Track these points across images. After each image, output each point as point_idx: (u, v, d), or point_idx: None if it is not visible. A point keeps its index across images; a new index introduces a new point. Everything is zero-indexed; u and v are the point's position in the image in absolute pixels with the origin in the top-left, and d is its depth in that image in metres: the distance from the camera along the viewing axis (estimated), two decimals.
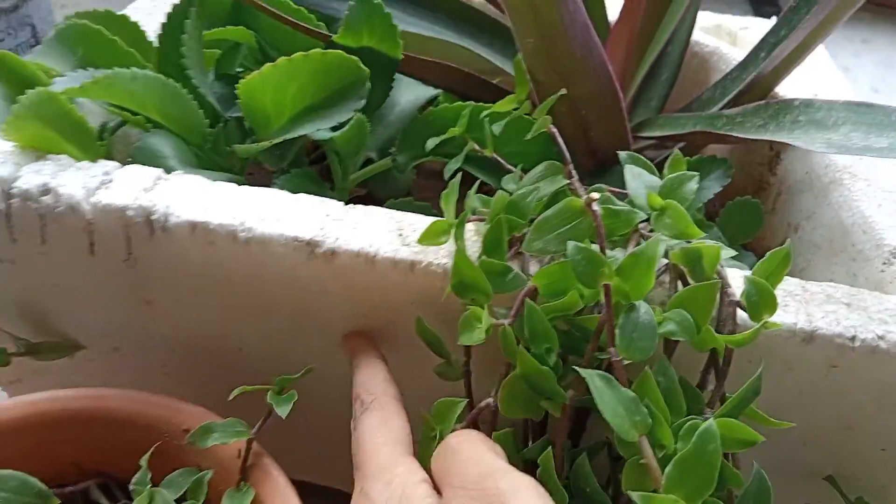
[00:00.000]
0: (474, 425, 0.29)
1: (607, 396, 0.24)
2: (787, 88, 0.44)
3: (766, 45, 0.41)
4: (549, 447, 0.26)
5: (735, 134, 0.37)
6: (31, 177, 0.32)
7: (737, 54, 0.51)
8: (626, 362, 0.25)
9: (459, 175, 0.32)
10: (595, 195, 0.26)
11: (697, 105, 0.47)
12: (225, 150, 0.40)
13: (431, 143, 0.41)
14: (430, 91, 0.48)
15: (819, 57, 0.51)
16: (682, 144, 0.45)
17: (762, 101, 0.38)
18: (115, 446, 0.33)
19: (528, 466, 0.29)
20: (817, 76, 0.49)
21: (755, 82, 0.42)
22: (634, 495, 0.22)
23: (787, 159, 0.43)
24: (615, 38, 0.43)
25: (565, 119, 0.39)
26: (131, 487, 0.30)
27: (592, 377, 0.24)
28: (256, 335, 0.35)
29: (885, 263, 0.32)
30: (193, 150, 0.39)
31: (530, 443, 0.30)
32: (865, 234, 0.34)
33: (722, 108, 0.43)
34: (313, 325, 0.34)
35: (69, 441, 0.33)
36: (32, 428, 0.33)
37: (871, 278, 0.33)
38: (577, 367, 0.25)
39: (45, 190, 0.32)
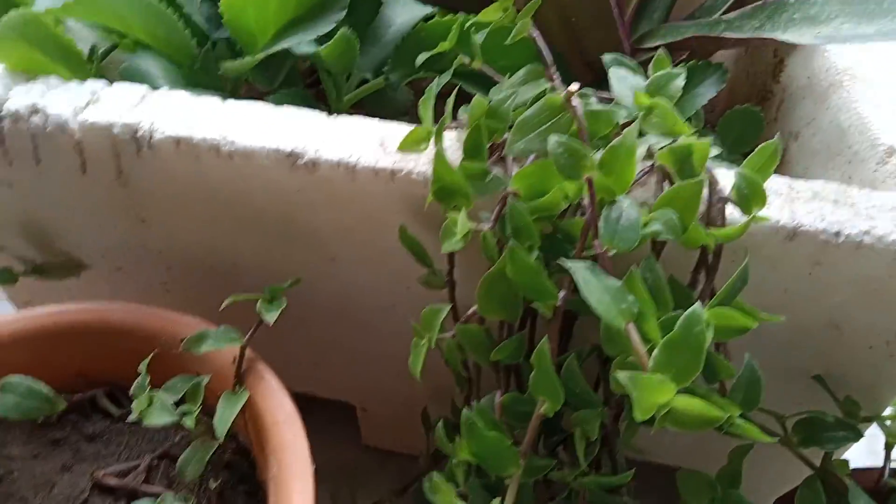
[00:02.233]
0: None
1: (593, 285, 0.24)
2: None
3: None
4: (544, 345, 0.26)
5: (733, 35, 0.36)
6: (21, 97, 0.33)
7: None
8: (611, 253, 0.25)
9: (445, 86, 0.31)
10: (573, 88, 0.26)
11: (699, 13, 0.45)
12: (214, 71, 0.39)
13: (421, 58, 0.40)
14: (426, 9, 0.47)
15: None
16: (685, 54, 0.43)
17: (759, 3, 0.36)
18: (117, 357, 0.35)
19: (498, 369, 0.30)
20: None
21: None
22: (622, 375, 0.22)
23: (790, 66, 0.42)
24: None
25: (555, 28, 0.38)
26: (131, 392, 0.31)
27: (578, 268, 0.24)
28: (249, 250, 0.36)
29: (878, 163, 0.32)
30: (183, 72, 0.39)
31: None
32: (861, 134, 0.33)
33: (722, 14, 0.42)
34: (302, 239, 0.34)
35: (74, 352, 0.35)
36: (39, 339, 0.34)
37: (865, 179, 0.32)
38: (562, 260, 0.25)
39: (34, 110, 0.32)
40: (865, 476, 0.32)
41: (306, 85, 0.49)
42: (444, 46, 0.39)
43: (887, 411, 0.34)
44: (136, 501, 0.31)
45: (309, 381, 0.44)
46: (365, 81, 0.45)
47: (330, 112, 0.44)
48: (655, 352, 0.23)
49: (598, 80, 0.43)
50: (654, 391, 0.22)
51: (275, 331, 0.33)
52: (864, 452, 0.40)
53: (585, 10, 0.37)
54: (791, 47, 0.41)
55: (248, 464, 0.35)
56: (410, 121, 0.42)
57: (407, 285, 0.35)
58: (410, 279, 0.34)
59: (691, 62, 0.38)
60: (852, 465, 0.32)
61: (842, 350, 0.32)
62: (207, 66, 0.39)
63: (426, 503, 0.38)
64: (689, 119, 0.38)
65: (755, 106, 0.41)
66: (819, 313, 0.30)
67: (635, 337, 0.24)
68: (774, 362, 0.32)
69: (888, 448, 0.33)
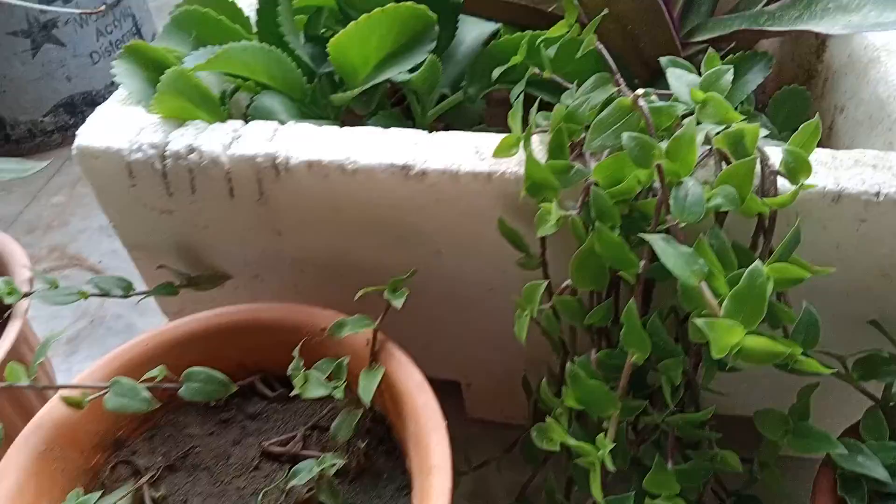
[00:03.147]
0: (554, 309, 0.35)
1: (669, 252, 0.29)
2: None
3: None
4: (632, 305, 0.31)
5: (774, 28, 0.41)
6: (178, 140, 0.40)
7: None
8: (681, 225, 0.30)
9: (522, 95, 0.37)
10: (640, 91, 0.31)
11: (743, 5, 0.49)
12: (321, 102, 0.46)
13: (496, 72, 0.46)
14: (492, 26, 0.53)
15: None
16: (731, 45, 0.48)
17: None
18: (269, 348, 0.42)
19: (591, 332, 0.35)
20: None
21: None
22: (699, 321, 0.27)
23: (832, 45, 0.46)
24: None
25: (614, 35, 0.44)
26: (289, 373, 0.38)
27: (655, 239, 0.30)
28: (368, 251, 0.42)
29: None
30: (296, 105, 0.46)
31: None
32: None
33: (764, 6, 0.46)
34: (413, 237, 0.40)
35: (233, 346, 0.42)
36: (205, 338, 0.42)
37: None
38: (642, 234, 0.30)
39: (191, 149, 0.40)
40: None
41: (391, 104, 0.55)
42: (515, 60, 0.45)
43: None
44: (301, 462, 0.38)
45: (421, 362, 0.50)
46: (444, 96, 0.51)
47: (415, 125, 0.51)
48: (725, 302, 0.28)
49: (654, 76, 0.48)
50: (726, 333, 0.27)
51: (392, 319, 0.40)
52: None
53: (640, 17, 0.42)
54: None
55: (385, 428, 0.41)
56: (485, 129, 0.48)
57: (503, 269, 0.41)
58: (505, 264, 0.40)
59: (739, 53, 0.43)
60: None
61: (894, 295, 0.36)
62: (315, 98, 0.46)
63: (533, 453, 0.44)
64: (741, 103, 0.43)
65: (801, 85, 0.45)
66: (870, 264, 0.35)
67: (707, 292, 0.29)
68: (833, 310, 0.37)
69: None
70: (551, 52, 0.40)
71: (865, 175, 0.33)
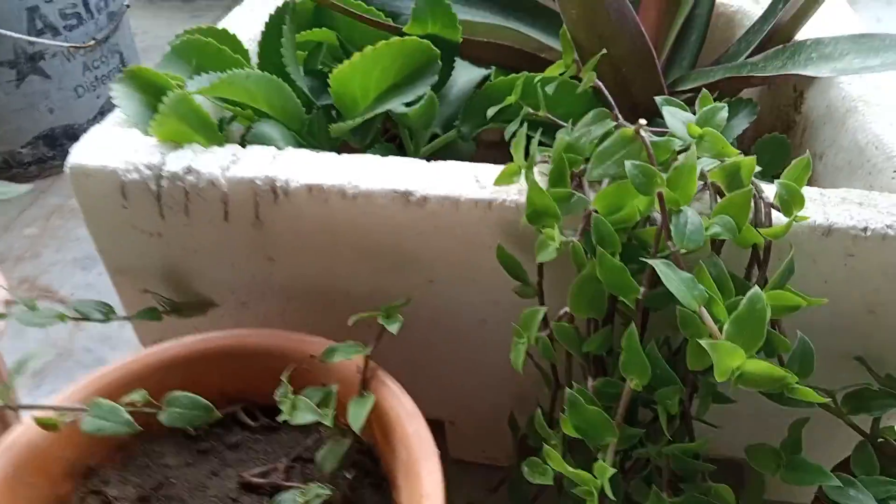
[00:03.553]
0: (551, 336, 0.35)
1: (670, 276, 0.30)
2: (807, 32, 0.49)
3: None
4: (633, 328, 0.31)
5: (759, 74, 0.43)
6: (176, 161, 0.40)
7: (759, 11, 0.56)
8: (682, 252, 0.31)
9: (525, 126, 0.38)
10: (643, 121, 0.32)
11: (725, 59, 0.52)
12: (318, 133, 0.47)
13: (491, 111, 0.47)
14: (484, 71, 0.55)
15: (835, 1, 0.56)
16: (715, 95, 0.50)
17: (780, 47, 0.43)
18: (253, 375, 0.41)
19: (588, 360, 0.35)
20: (832, 17, 0.53)
21: (775, 31, 0.47)
22: (704, 342, 0.28)
23: (810, 97, 0.48)
24: (646, 4, 0.48)
25: (607, 78, 0.45)
26: (276, 398, 0.37)
27: (658, 263, 0.30)
28: (362, 278, 0.42)
29: (895, 171, 0.37)
30: (294, 135, 0.46)
31: None
32: (878, 149, 0.39)
33: (747, 59, 0.48)
34: (409, 265, 0.40)
35: (216, 373, 0.41)
36: (188, 363, 0.41)
37: (885, 186, 0.38)
38: (644, 258, 0.31)
39: (189, 170, 0.40)
40: None
41: (384, 141, 0.56)
42: (510, 99, 0.47)
43: None
44: (283, 493, 0.37)
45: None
46: (435, 135, 0.52)
47: None
48: (726, 326, 0.29)
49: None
50: (728, 356, 0.28)
51: (378, 351, 0.39)
52: None
53: (634, 61, 0.44)
54: (809, 81, 0.48)
55: (372, 461, 0.40)
56: None
57: (496, 300, 0.41)
58: (498, 295, 0.41)
59: (724, 100, 0.45)
60: None
61: (879, 333, 0.37)
62: (313, 129, 0.47)
63: (521, 492, 0.43)
64: None
65: (781, 134, 0.47)
66: (856, 300, 0.36)
67: (707, 317, 0.30)
68: (820, 346, 0.37)
69: None
70: (550, 89, 0.42)
71: (853, 211, 0.34)
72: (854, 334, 0.37)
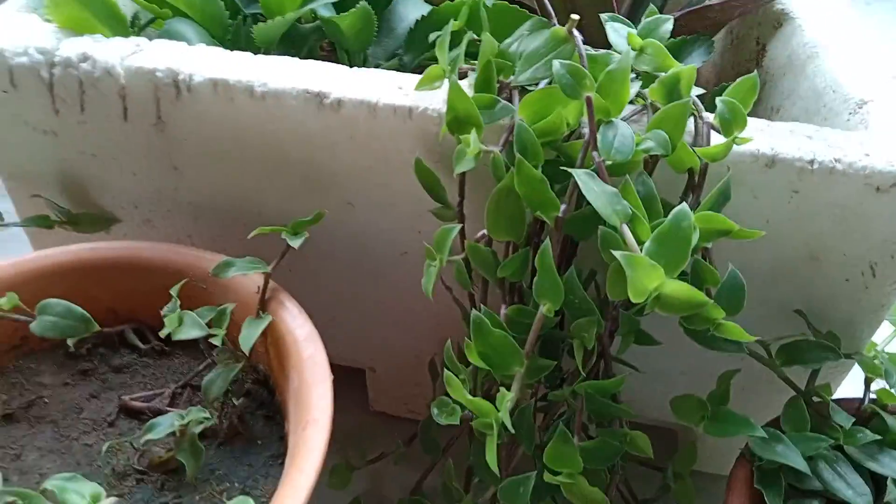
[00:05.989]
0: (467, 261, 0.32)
1: (591, 187, 0.27)
2: None
3: None
4: (548, 245, 0.28)
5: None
6: (71, 47, 0.36)
7: None
8: (607, 163, 0.28)
9: (451, 24, 0.35)
10: (575, 17, 0.29)
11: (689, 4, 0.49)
12: (244, 42, 0.43)
13: (433, 36, 0.44)
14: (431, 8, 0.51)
15: None
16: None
17: None
18: (147, 293, 0.37)
19: (504, 286, 0.32)
20: None
21: None
22: (618, 253, 0.24)
23: (771, 49, 0.45)
24: None
25: (559, 8, 0.42)
26: (163, 313, 0.34)
27: (579, 174, 0.27)
28: (273, 196, 0.38)
29: (850, 114, 0.35)
30: (216, 43, 0.42)
31: None
32: (835, 92, 0.36)
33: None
34: (323, 182, 0.37)
35: (106, 287, 0.37)
36: (75, 272, 0.37)
37: (839, 127, 0.35)
38: (565, 168, 0.28)
39: (84, 57, 0.36)
40: (846, 405, 0.34)
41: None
42: (456, 25, 0.43)
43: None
44: (161, 416, 0.33)
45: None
46: (377, 67, 0.49)
47: None
48: (647, 242, 0.26)
49: None
50: (647, 274, 0.25)
51: (292, 282, 0.36)
52: None
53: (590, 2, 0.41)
54: (772, 32, 0.45)
55: (267, 391, 0.37)
56: None
57: (419, 230, 0.38)
58: (422, 224, 0.37)
59: (680, 37, 0.42)
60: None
61: (822, 283, 0.34)
62: (237, 37, 0.43)
63: (432, 440, 0.40)
64: None
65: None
66: (799, 244, 0.33)
67: (628, 234, 0.27)
68: (759, 295, 0.35)
69: (867, 383, 0.35)
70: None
71: (801, 143, 0.31)
72: (795, 283, 0.35)
